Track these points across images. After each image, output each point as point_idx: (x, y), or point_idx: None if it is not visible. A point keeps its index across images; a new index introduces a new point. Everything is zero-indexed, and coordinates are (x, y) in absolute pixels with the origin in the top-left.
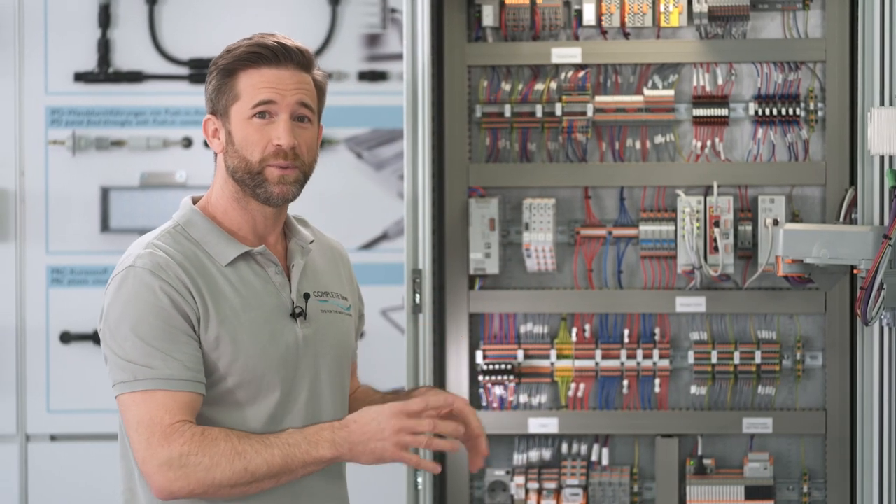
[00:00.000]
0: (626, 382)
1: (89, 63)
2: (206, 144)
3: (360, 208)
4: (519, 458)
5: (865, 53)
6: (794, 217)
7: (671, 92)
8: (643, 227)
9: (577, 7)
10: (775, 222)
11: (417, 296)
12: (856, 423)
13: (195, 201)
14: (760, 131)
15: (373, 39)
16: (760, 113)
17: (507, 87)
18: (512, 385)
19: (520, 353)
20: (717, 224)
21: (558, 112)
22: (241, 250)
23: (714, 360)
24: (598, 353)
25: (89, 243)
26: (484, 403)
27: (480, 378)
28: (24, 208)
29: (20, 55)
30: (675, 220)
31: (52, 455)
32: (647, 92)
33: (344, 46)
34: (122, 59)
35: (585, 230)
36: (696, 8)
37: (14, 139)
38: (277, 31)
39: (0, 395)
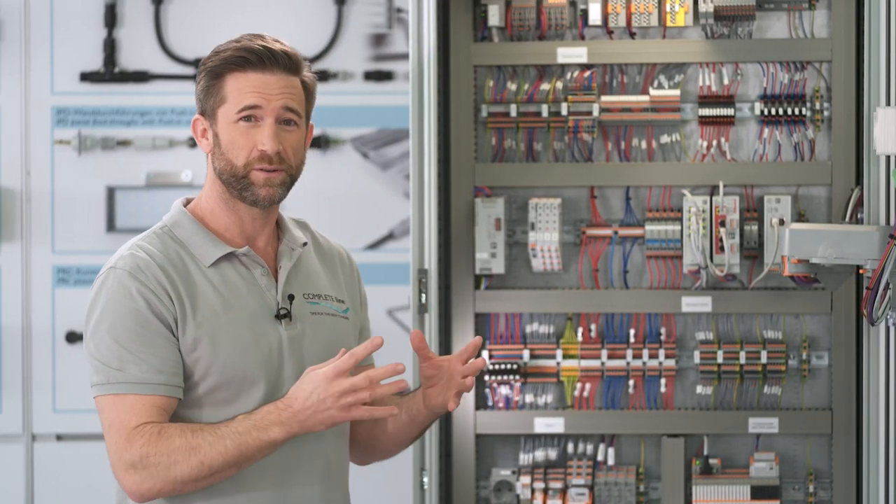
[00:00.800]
0: (631, 382)
1: (95, 63)
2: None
3: (365, 208)
4: (525, 458)
5: (871, 53)
6: (799, 217)
7: (677, 92)
8: (649, 227)
9: (582, 7)
10: (781, 222)
11: (423, 295)
12: (862, 423)
13: (188, 202)
14: (766, 131)
15: (378, 39)
16: (766, 113)
17: (512, 86)
18: (518, 385)
19: (526, 353)
20: (722, 224)
21: (564, 112)
22: (224, 251)
23: (720, 359)
24: (604, 352)
25: (95, 243)
26: (490, 403)
27: (486, 378)
28: (30, 208)
29: (26, 55)
30: (680, 219)
31: (58, 454)
32: (652, 92)
33: (350, 46)
34: (128, 59)
35: (591, 230)
36: (702, 8)
37: (20, 139)
38: (268, 33)
39: (6, 394)
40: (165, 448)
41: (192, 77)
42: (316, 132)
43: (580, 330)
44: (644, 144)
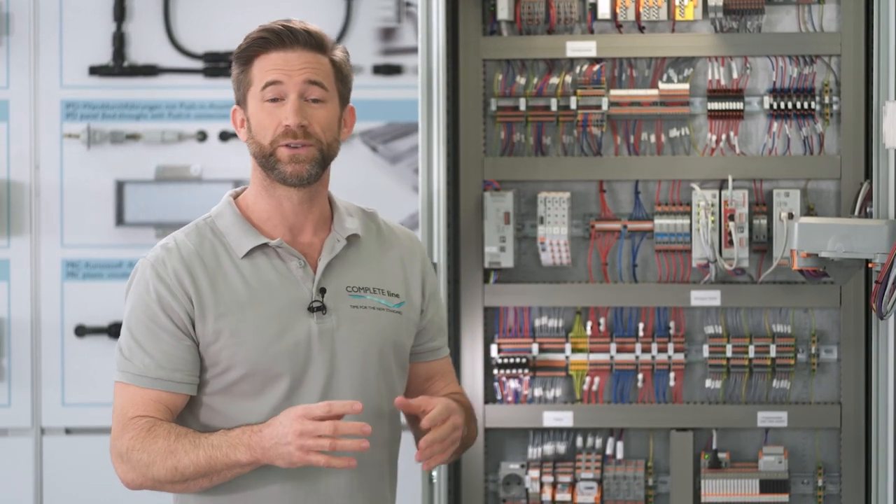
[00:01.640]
0: (640, 376)
1: (104, 57)
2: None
3: (375, 202)
4: (534, 452)
5: (880, 47)
6: (808, 211)
7: (686, 86)
8: (658, 221)
9: (591, 1)
10: (790, 216)
11: None
12: (871, 417)
13: (238, 195)
14: (775, 125)
15: (388, 33)
16: (775, 107)
17: (521, 80)
18: (527, 379)
19: (534, 347)
20: (731, 218)
21: (573, 106)
22: (256, 242)
23: (729, 353)
24: (613, 346)
25: (104, 237)
26: (499, 397)
27: (495, 371)
28: (38, 202)
29: (35, 48)
30: (689, 213)
31: (67, 448)
32: (661, 86)
33: (359, 40)
34: (137, 53)
35: (600, 224)
36: (711, 1)
37: (29, 133)
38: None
39: (15, 388)
40: (149, 447)
41: (201, 71)
42: None
43: (589, 324)
44: (653, 138)
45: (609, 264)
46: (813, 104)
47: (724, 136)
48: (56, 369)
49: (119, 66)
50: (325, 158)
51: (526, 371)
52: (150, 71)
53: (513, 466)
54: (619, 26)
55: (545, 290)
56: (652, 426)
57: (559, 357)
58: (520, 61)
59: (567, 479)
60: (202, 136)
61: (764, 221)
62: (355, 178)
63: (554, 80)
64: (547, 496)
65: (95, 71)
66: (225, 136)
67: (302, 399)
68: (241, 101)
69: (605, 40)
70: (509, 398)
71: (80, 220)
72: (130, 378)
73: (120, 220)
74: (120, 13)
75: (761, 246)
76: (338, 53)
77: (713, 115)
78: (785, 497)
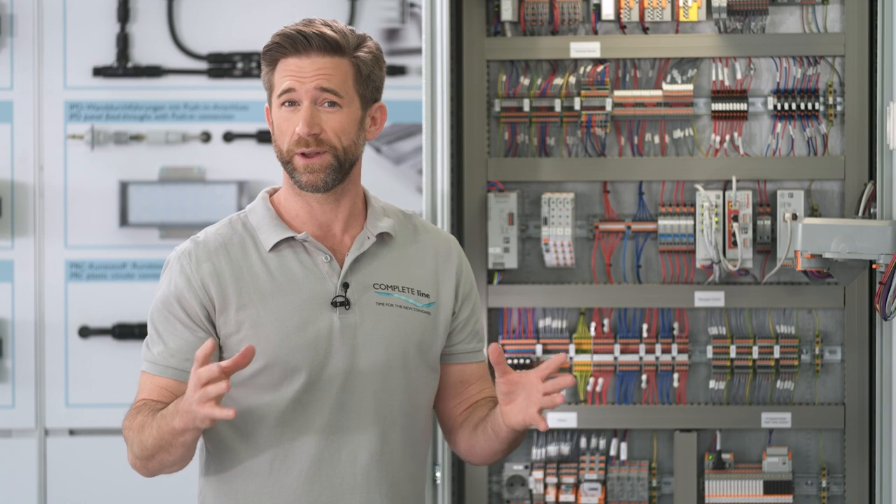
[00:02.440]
0: (644, 377)
1: (108, 57)
2: (225, 138)
3: None
4: (537, 453)
5: (884, 48)
6: (812, 211)
7: (690, 86)
8: (662, 222)
9: (595, 1)
10: (794, 217)
11: None
12: (874, 418)
13: (275, 191)
14: (779, 126)
15: (392, 34)
16: (779, 107)
17: (525, 81)
18: None
19: (538, 348)
20: (735, 218)
21: (577, 106)
22: (283, 235)
23: (733, 354)
24: (617, 347)
25: (108, 238)
26: None
27: None
28: (42, 203)
29: (39, 49)
30: (693, 214)
31: (71, 449)
32: (665, 86)
33: None
34: (141, 54)
35: (604, 224)
36: (715, 2)
37: (33, 133)
38: (321, 17)
39: (19, 389)
40: (130, 424)
41: (205, 72)
42: None
43: (593, 324)
44: (657, 139)
45: (613, 265)
46: (817, 105)
47: (727, 137)
48: (60, 370)
49: (123, 66)
50: (341, 164)
51: None
52: (154, 72)
53: (517, 467)
54: (622, 27)
55: (549, 291)
56: (656, 427)
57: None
58: (524, 62)
59: (571, 480)
60: (206, 137)
61: (768, 222)
62: None
63: (558, 80)
64: (551, 497)
65: (99, 72)
66: (229, 137)
67: (319, 393)
68: (269, 102)
69: (609, 41)
70: None
71: (84, 221)
72: (145, 365)
73: (124, 220)
74: (124, 14)
75: (765, 247)
76: (362, 53)
77: (717, 115)
78: (789, 498)
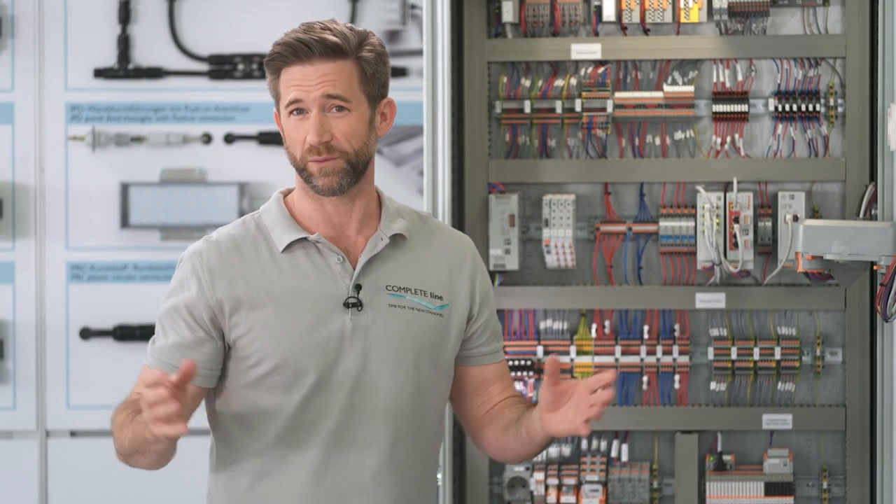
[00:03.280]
0: (645, 378)
1: (109, 59)
2: (226, 140)
3: None
4: (539, 455)
5: (885, 49)
6: (813, 213)
7: (691, 88)
8: (663, 223)
9: (596, 3)
10: (795, 218)
11: None
12: (875, 420)
13: (289, 192)
14: (780, 127)
15: (393, 35)
16: (780, 109)
17: (526, 83)
18: (531, 381)
19: (539, 349)
20: (736, 220)
21: (578, 108)
22: (296, 236)
23: (734, 356)
24: (618, 349)
25: (109, 239)
26: None
27: None
28: (43, 204)
29: (40, 51)
30: (694, 216)
31: (72, 451)
32: (666, 88)
33: None
34: (142, 55)
35: (605, 226)
36: (716, 4)
37: (34, 135)
38: (320, 20)
39: (20, 390)
40: (115, 418)
41: (206, 73)
42: None
43: (594, 326)
44: (658, 141)
45: (614, 267)
46: (818, 106)
47: (728, 139)
48: (61, 372)
49: (124, 68)
50: (354, 166)
51: (531, 373)
52: (155, 73)
53: (518, 469)
54: (623, 29)
55: (550, 293)
56: (657, 428)
57: (564, 360)
58: (524, 63)
59: (572, 481)
60: (207, 139)
61: (769, 224)
62: None
63: (559, 82)
64: (552, 499)
65: (100, 73)
66: (230, 139)
67: (330, 394)
68: (277, 109)
69: (610, 43)
70: None
71: (85, 223)
72: (147, 358)
73: (125, 222)
74: (125, 15)
75: (766, 248)
76: (365, 52)
77: (718, 117)
78: (790, 500)
